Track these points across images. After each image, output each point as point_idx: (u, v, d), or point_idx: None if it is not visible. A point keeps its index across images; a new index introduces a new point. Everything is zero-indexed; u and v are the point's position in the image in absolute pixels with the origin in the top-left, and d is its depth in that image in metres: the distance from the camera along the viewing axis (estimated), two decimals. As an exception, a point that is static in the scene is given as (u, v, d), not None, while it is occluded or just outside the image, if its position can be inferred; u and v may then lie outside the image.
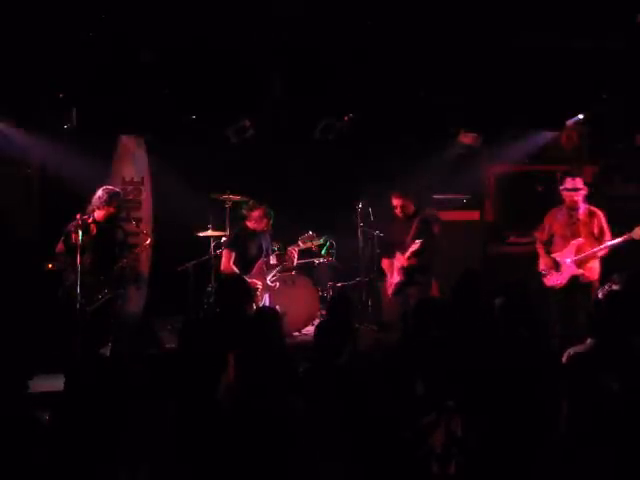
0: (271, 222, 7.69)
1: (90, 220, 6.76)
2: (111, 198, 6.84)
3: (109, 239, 6.91)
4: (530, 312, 4.85)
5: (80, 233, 6.53)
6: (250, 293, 5.79)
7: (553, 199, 9.39)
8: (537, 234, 7.45)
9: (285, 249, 8.72)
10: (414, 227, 7.42)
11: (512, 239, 9.09)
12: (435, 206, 9.39)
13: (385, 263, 7.70)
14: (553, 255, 7.23)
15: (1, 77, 6.69)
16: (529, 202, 9.79)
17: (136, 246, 7.46)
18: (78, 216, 6.65)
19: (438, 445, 3.62)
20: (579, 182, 7.25)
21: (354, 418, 3.80)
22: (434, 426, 3.70)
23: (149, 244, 7.35)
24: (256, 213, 7.58)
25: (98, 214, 6.81)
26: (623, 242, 6.92)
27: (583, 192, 7.23)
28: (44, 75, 6.80)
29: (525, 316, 4.78)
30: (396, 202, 7.49)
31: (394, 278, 7.51)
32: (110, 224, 6.92)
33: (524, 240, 7.78)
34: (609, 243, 7.01)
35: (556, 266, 7.22)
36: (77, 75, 6.83)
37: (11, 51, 6.63)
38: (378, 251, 9.31)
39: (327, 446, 3.59)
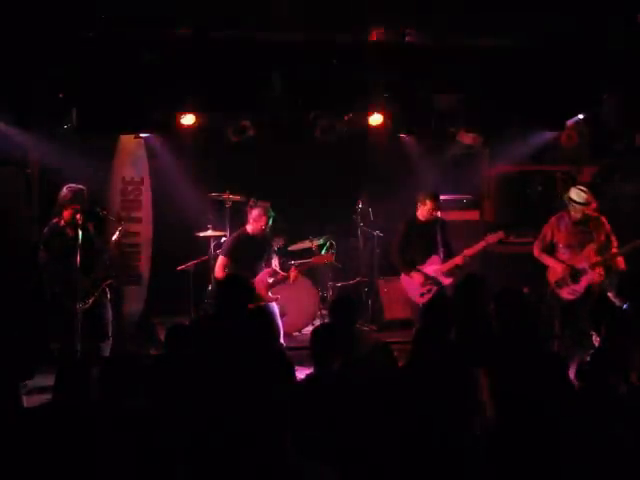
0: (270, 221, 7.55)
1: (62, 223, 6.66)
2: (75, 195, 6.67)
3: (85, 237, 6.82)
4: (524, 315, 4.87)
5: (80, 232, 6.52)
6: (251, 292, 5.76)
7: (553, 199, 9.40)
8: (537, 245, 7.24)
9: (286, 251, 8.75)
10: (439, 229, 7.36)
11: (512, 239, 9.09)
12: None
13: (416, 276, 7.35)
14: (571, 263, 7.02)
15: (1, 77, 6.68)
16: (529, 202, 9.81)
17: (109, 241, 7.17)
18: (54, 220, 6.64)
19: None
20: (590, 197, 7.07)
21: (351, 423, 3.80)
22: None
23: (121, 232, 7.14)
24: (255, 212, 7.32)
25: (66, 214, 6.67)
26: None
27: (594, 206, 7.09)
28: (44, 75, 6.79)
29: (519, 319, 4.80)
30: (434, 204, 7.36)
31: (446, 280, 7.24)
32: (82, 222, 6.81)
33: (524, 240, 7.76)
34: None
35: (573, 275, 7.03)
36: (77, 75, 6.82)
37: (11, 51, 6.62)
38: (378, 251, 9.33)
39: (322, 451, 3.60)
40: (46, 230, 6.75)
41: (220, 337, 5.08)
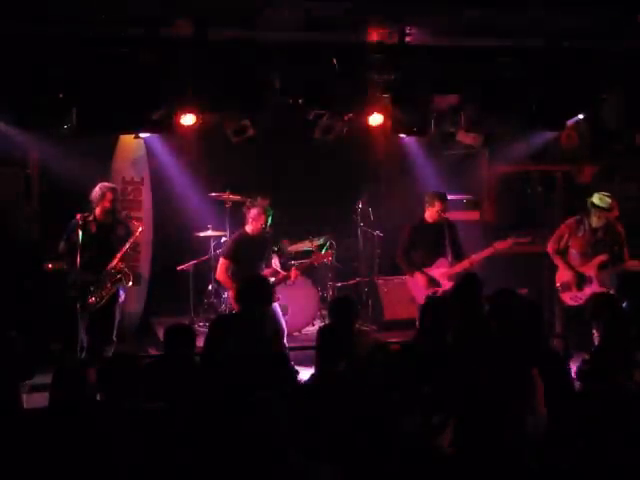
0: (269, 219, 7.55)
1: (91, 218, 6.76)
2: (104, 194, 6.80)
3: (109, 236, 6.88)
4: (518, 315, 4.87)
5: (80, 232, 6.54)
6: (270, 293, 5.81)
7: (553, 199, 9.40)
8: (552, 244, 7.22)
9: (286, 252, 8.74)
10: (447, 231, 7.33)
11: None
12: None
13: (420, 278, 7.28)
14: (581, 269, 7.03)
15: (1, 77, 6.68)
16: (529, 202, 9.81)
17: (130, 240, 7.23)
18: (79, 216, 6.68)
19: (445, 446, 3.62)
20: (615, 202, 7.07)
21: (355, 423, 3.80)
22: (442, 427, 3.70)
23: (140, 232, 7.18)
24: (254, 211, 7.40)
25: (97, 211, 6.82)
26: None
27: (616, 213, 7.08)
28: (44, 75, 6.79)
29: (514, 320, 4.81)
30: (443, 205, 7.36)
31: (449, 284, 7.09)
32: (110, 220, 6.89)
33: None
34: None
35: (579, 282, 7.04)
36: (77, 75, 6.83)
37: (11, 51, 6.63)
38: (378, 251, 9.33)
39: (325, 451, 3.60)
40: (71, 223, 6.78)
41: (242, 334, 5.12)
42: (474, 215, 9.42)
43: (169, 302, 8.86)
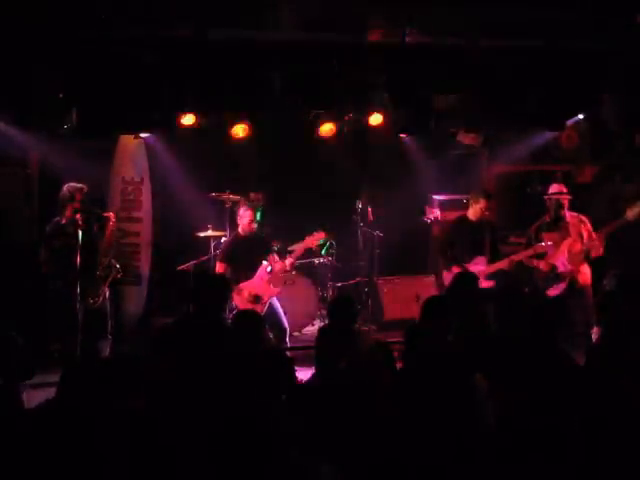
0: (258, 215, 7.52)
1: (64, 221, 6.69)
2: (72, 194, 6.71)
3: (88, 236, 6.82)
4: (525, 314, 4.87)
5: (80, 233, 6.53)
6: (227, 293, 5.71)
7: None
8: (525, 252, 7.42)
9: (285, 251, 8.73)
10: (488, 230, 7.45)
11: (512, 239, 9.08)
12: (435, 206, 9.41)
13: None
14: (552, 261, 7.28)
15: (1, 77, 6.68)
16: (529, 202, 9.80)
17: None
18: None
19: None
20: (564, 187, 7.44)
21: (356, 421, 3.80)
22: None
23: (113, 224, 7.05)
24: (240, 210, 7.46)
25: (67, 212, 6.72)
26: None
27: (568, 197, 7.37)
28: (44, 75, 6.79)
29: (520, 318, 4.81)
30: (487, 203, 7.47)
31: (485, 283, 7.13)
32: (82, 221, 6.82)
33: (524, 240, 7.80)
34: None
35: (556, 275, 7.25)
36: (77, 75, 6.83)
37: (11, 51, 6.63)
38: (378, 251, 9.33)
39: (325, 451, 3.59)
40: (48, 228, 6.78)
41: (199, 335, 5.09)
42: (474, 215, 9.40)
43: (169, 302, 8.85)
